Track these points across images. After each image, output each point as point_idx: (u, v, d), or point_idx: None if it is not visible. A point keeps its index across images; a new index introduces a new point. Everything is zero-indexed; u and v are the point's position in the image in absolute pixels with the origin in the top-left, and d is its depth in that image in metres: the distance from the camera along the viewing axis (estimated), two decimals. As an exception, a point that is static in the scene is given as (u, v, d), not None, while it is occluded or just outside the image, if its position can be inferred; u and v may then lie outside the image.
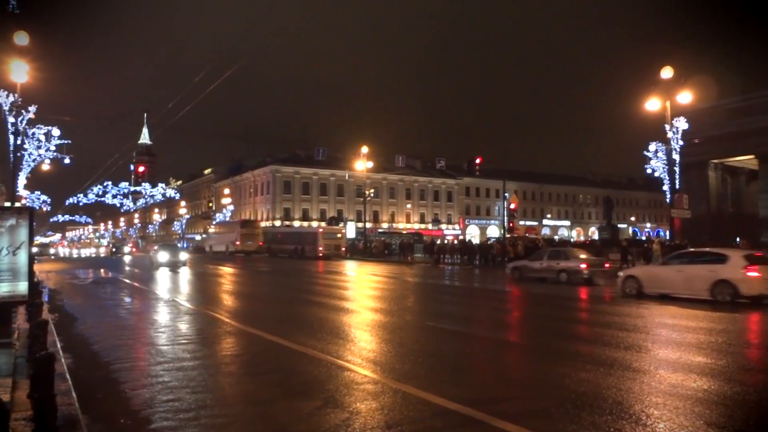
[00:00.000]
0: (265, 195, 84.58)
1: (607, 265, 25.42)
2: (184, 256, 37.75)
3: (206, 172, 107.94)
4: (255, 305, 16.50)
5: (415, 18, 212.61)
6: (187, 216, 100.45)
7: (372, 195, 63.67)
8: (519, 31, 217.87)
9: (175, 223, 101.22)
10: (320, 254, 48.90)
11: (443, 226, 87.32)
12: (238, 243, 55.83)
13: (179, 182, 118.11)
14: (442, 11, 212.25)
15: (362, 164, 53.73)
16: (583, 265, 22.60)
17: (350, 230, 63.77)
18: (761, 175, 60.75)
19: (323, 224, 68.98)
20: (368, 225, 62.71)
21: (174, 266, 34.09)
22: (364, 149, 53.15)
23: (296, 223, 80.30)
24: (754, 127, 57.30)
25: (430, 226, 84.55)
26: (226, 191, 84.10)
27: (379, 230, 76.75)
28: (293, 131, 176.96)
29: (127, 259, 53.79)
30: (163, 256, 36.17)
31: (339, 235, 54.06)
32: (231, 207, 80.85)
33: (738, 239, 38.25)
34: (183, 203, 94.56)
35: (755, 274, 14.96)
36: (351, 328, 11.58)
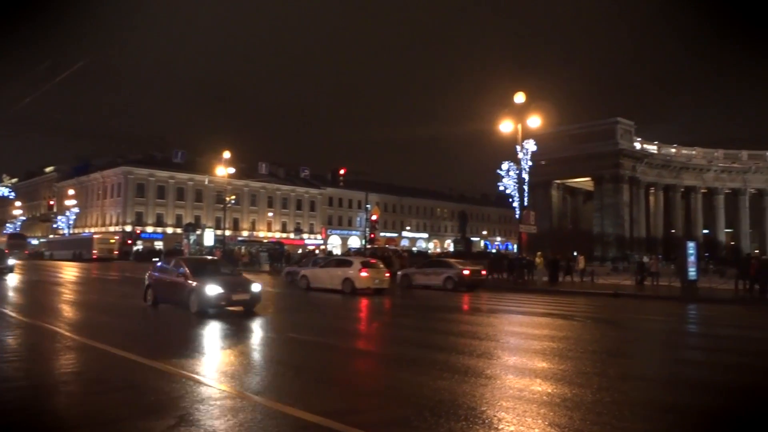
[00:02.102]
0: (115, 198, 79.39)
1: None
2: (11, 260, 34.08)
3: (48, 170, 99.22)
4: (97, 316, 15.35)
5: (279, 22, 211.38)
6: (23, 218, 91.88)
7: (233, 202, 62.02)
8: (383, 46, 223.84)
9: (8, 225, 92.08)
10: (94, 257, 59.59)
11: (305, 236, 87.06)
12: (7, 251, 65.37)
13: (14, 180, 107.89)
14: (306, 19, 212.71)
15: (223, 169, 52.17)
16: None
17: (208, 238, 61.68)
18: (596, 195, 66.96)
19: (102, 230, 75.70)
20: (228, 232, 61.06)
21: None
22: (226, 154, 51.63)
23: (149, 229, 76.52)
24: (591, 152, 63.16)
25: (291, 236, 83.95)
26: (71, 192, 78.11)
27: (239, 238, 74.95)
28: (149, 132, 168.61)
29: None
30: None
31: (112, 241, 67.20)
32: (76, 209, 75.23)
33: (575, 253, 41.59)
34: (18, 203, 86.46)
35: (365, 274, 22.18)
36: (207, 341, 11.16)
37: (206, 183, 77.72)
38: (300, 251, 66.58)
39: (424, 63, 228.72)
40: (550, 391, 7.25)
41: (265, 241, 73.53)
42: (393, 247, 61.70)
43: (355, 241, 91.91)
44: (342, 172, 48.54)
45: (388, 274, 23.80)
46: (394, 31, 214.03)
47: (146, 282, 16.85)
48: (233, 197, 62.45)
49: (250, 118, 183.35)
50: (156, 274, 16.79)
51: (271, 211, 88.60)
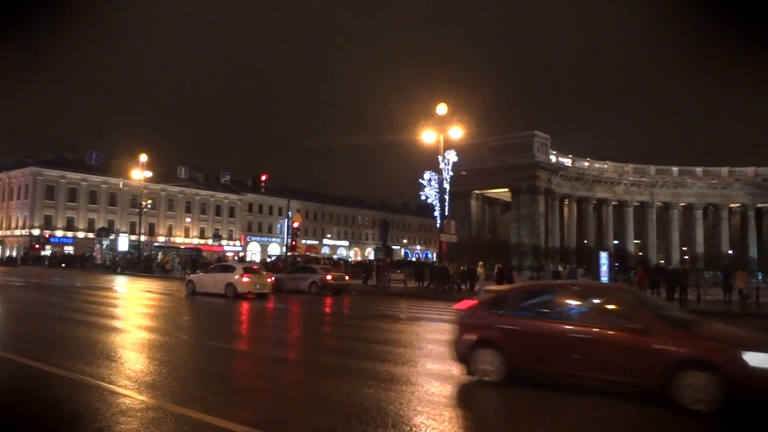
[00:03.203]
0: (22, 200, 74.67)
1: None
2: None
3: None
4: (4, 324, 14.49)
5: (199, 25, 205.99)
6: None
7: (149, 206, 59.84)
8: (306, 53, 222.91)
9: None
10: None
11: (224, 242, 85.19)
12: None
13: None
14: (227, 22, 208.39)
15: (140, 173, 50.42)
16: None
17: (122, 243, 59.30)
18: (513, 206, 68.94)
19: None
20: (143, 238, 58.93)
21: None
22: (143, 157, 49.91)
23: (59, 233, 72.74)
24: (509, 164, 65.03)
25: (210, 242, 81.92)
26: (-27, 193, 73.18)
27: (155, 244, 72.49)
28: (61, 131, 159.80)
29: None
30: None
31: None
32: (-23, 211, 70.56)
33: (493, 262, 42.60)
34: None
35: (247, 279, 23.27)
36: (124, 350, 10.73)
37: (121, 186, 74.71)
38: (217, 258, 65.12)
39: (347, 71, 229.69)
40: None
41: (182, 247, 71.47)
42: (314, 255, 61.46)
43: (275, 248, 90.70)
44: (263, 178, 47.97)
45: (270, 279, 25.25)
46: (317, 39, 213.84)
47: (462, 333, 8.48)
48: (149, 201, 60.31)
49: (169, 122, 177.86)
50: (494, 315, 8.43)
51: (189, 216, 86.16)
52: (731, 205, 75.69)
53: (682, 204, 75.95)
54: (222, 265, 28.72)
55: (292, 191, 76.83)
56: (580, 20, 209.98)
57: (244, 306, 21.06)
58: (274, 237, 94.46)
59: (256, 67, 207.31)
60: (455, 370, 8.67)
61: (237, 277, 23.43)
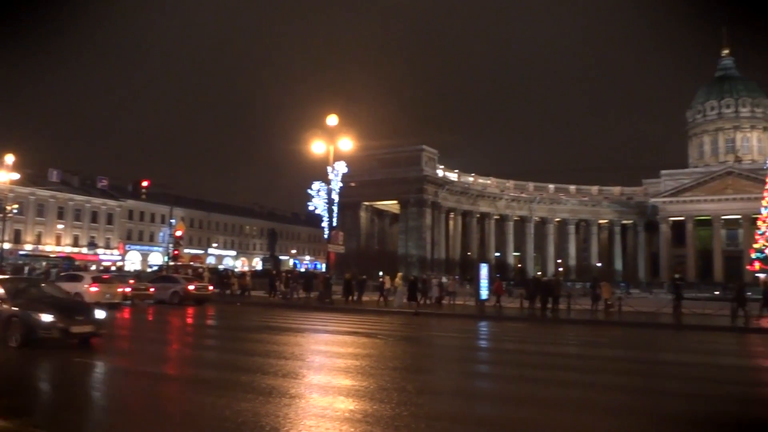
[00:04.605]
0: None
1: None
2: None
3: None
4: None
5: (79, 19, 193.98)
6: None
7: (15, 211, 55.28)
8: (191, 57, 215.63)
9: None
10: None
11: (100, 251, 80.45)
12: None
13: None
14: (116, 20, 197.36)
15: (5, 175, 46.55)
16: None
17: (-18, 251, 54.32)
18: (401, 218, 70.38)
19: None
20: (7, 246, 54.45)
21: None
22: (9, 158, 46.16)
23: None
24: (398, 176, 66.40)
25: (84, 250, 77.05)
26: None
27: (21, 252, 67.15)
28: None
29: None
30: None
31: None
32: None
33: (381, 273, 43.19)
34: None
35: (96, 289, 22.35)
36: None
37: (-18, 189, 68.70)
38: (94, 267, 61.42)
39: (235, 77, 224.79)
40: (352, 408, 7.43)
41: (53, 256, 66.70)
42: (197, 265, 59.47)
43: (156, 258, 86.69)
44: (145, 184, 45.96)
45: (120, 289, 24.28)
46: (208, 42, 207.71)
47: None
48: (15, 206, 55.76)
49: (40, 121, 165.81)
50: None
51: (61, 223, 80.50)
52: (600, 221, 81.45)
53: (557, 219, 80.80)
54: (69, 274, 28.03)
55: (175, 198, 73.84)
56: (469, 39, 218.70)
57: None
58: (156, 246, 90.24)
59: (139, 69, 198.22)
60: (335, 381, 8.65)
61: (85, 286, 22.55)
